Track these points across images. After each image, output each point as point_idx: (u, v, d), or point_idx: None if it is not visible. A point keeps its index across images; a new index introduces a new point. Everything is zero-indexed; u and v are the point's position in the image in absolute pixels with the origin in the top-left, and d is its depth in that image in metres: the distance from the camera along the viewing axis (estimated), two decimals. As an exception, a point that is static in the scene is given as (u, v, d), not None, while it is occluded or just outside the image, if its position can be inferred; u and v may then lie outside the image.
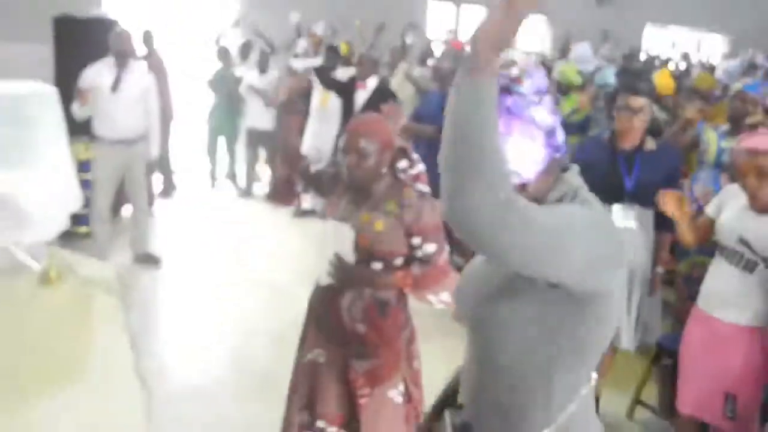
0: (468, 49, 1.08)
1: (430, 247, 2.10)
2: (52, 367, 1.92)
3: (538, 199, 1.27)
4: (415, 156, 2.22)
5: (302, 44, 7.28)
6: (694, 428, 2.81)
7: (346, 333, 2.19)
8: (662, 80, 5.94)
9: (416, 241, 2.10)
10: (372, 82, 5.41)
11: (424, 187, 2.21)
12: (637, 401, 3.41)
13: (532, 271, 1.17)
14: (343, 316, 2.17)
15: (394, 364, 2.13)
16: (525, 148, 1.25)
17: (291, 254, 5.61)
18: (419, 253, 2.12)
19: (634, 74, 3.21)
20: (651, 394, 3.43)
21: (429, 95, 5.36)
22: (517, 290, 1.27)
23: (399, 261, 2.14)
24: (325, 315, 2.24)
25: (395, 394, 2.19)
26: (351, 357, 2.20)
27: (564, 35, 9.86)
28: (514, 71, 1.27)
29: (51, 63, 5.75)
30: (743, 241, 2.49)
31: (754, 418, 2.60)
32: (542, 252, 1.12)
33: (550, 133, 1.27)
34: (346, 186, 2.25)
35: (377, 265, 2.12)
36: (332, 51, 6.47)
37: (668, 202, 2.70)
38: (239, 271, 5.33)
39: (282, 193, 6.83)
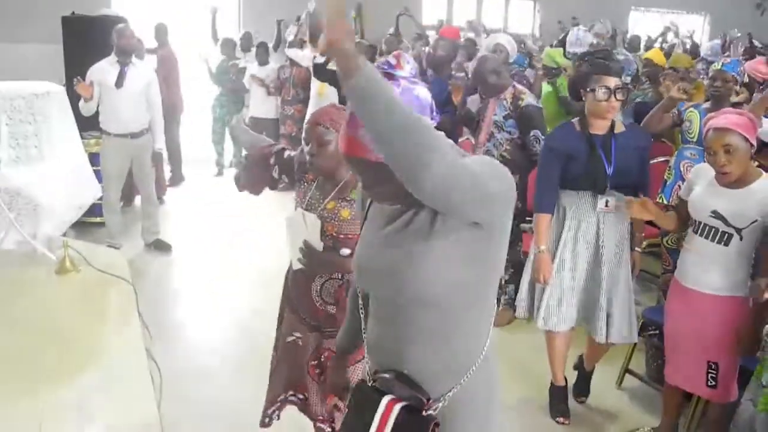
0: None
1: None
2: (69, 351, 1.93)
3: None
4: None
5: (292, 31, 7.18)
6: (681, 395, 2.86)
7: (318, 315, 2.21)
8: (656, 56, 5.92)
9: None
10: None
11: None
12: (626, 370, 3.44)
13: (473, 214, 1.32)
14: (314, 298, 2.20)
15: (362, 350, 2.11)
16: None
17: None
18: None
19: (603, 55, 3.05)
20: (639, 363, 3.46)
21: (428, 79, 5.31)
22: (443, 238, 1.36)
23: None
24: (297, 298, 2.27)
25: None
26: (324, 337, 2.22)
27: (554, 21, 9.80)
28: (392, 59, 1.38)
29: (60, 61, 5.73)
30: (717, 215, 2.50)
31: (732, 384, 2.63)
32: (481, 198, 1.29)
33: (431, 108, 1.40)
34: (313, 175, 2.24)
35: (345, 251, 2.11)
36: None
37: (635, 210, 2.68)
38: (246, 255, 5.35)
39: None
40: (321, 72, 5.63)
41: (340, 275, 2.16)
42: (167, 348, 3.46)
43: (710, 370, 2.58)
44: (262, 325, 3.94)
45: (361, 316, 1.64)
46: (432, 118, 1.39)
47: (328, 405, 1.90)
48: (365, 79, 1.15)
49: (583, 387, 3.34)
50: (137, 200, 5.79)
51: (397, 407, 1.42)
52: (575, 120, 3.01)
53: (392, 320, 1.47)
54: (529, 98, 3.90)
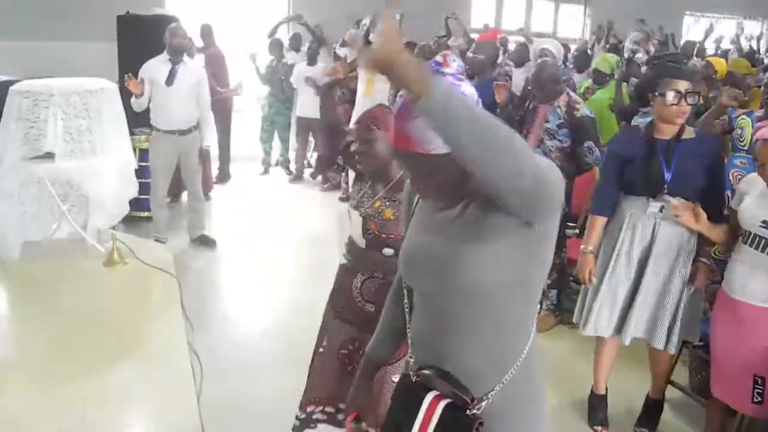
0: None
1: None
2: (114, 340, 1.99)
3: None
4: None
5: (351, 33, 7.24)
6: (725, 410, 2.77)
7: (355, 311, 2.22)
8: (719, 64, 5.75)
9: None
10: None
11: None
12: (668, 381, 3.35)
13: (543, 217, 1.32)
14: (354, 295, 2.21)
15: (401, 348, 2.08)
16: None
17: (334, 236, 5.65)
18: None
19: (673, 58, 2.95)
20: (682, 375, 3.37)
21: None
22: (492, 238, 1.34)
23: None
24: (338, 291, 2.30)
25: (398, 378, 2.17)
26: (357, 336, 2.22)
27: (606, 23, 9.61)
28: (439, 58, 1.37)
29: (115, 59, 5.89)
30: (766, 225, 2.43)
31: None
32: (553, 203, 1.30)
33: (476, 103, 1.36)
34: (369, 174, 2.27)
35: (388, 251, 2.12)
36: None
37: (684, 217, 2.60)
38: (288, 253, 5.41)
39: (320, 169, 6.89)
40: None
41: (381, 274, 2.16)
42: (208, 341, 3.53)
43: (756, 386, 2.50)
44: (301, 322, 3.97)
45: (406, 311, 1.63)
46: None
47: (347, 426, 1.83)
48: (438, 98, 1.10)
49: (646, 420, 3.16)
50: (184, 196, 5.91)
51: (442, 405, 1.41)
52: (645, 124, 2.93)
53: (436, 316, 1.46)
54: (584, 109, 3.85)
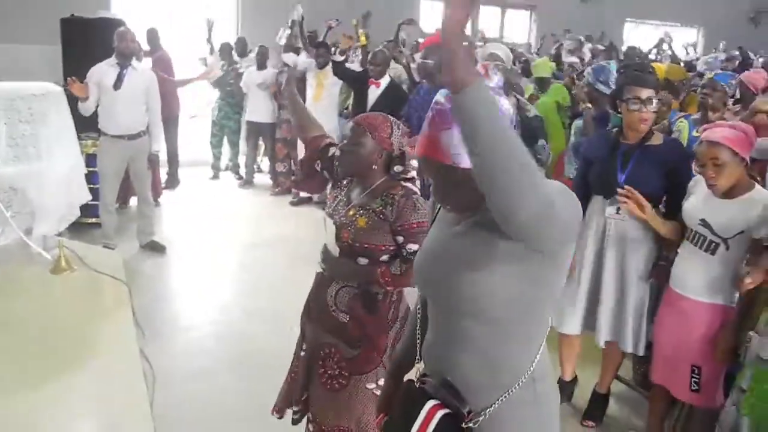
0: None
1: (412, 246, 2.04)
2: (64, 349, 1.94)
3: None
4: (413, 163, 2.15)
5: (283, 35, 7.14)
6: (666, 398, 2.89)
7: (329, 319, 2.18)
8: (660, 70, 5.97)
9: (399, 239, 2.07)
10: (384, 80, 5.41)
11: (414, 188, 2.15)
12: (614, 376, 3.47)
13: (550, 246, 1.27)
14: (329, 303, 2.17)
15: (375, 359, 2.07)
16: None
17: (288, 240, 5.65)
18: (404, 252, 2.08)
19: (638, 66, 3.10)
20: (627, 369, 3.49)
21: (419, 88, 5.33)
22: (503, 251, 1.32)
23: (385, 257, 2.10)
24: (314, 299, 2.26)
25: (374, 387, 2.15)
26: (333, 342, 2.19)
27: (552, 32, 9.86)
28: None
29: (60, 62, 5.75)
30: (705, 224, 2.55)
31: (717, 390, 2.66)
32: (561, 232, 1.23)
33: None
34: (347, 181, 2.24)
35: (362, 260, 2.10)
36: (324, 47, 6.45)
37: (629, 206, 2.71)
38: (238, 256, 5.37)
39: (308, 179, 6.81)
40: (340, 71, 5.71)
41: (355, 284, 2.13)
42: (161, 348, 3.48)
43: (693, 375, 2.61)
44: (254, 326, 3.97)
45: (418, 318, 1.65)
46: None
47: (377, 425, 1.80)
48: (478, 90, 1.09)
49: (593, 413, 3.26)
50: (132, 201, 5.81)
51: (439, 414, 1.42)
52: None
53: (444, 326, 1.48)
54: (533, 110, 3.96)
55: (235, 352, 3.72)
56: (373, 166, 2.10)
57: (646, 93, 2.84)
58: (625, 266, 2.93)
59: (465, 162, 1.28)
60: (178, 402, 3.04)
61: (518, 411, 1.43)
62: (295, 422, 2.38)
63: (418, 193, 2.12)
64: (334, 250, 2.13)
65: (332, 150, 2.32)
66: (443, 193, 1.41)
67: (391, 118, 2.15)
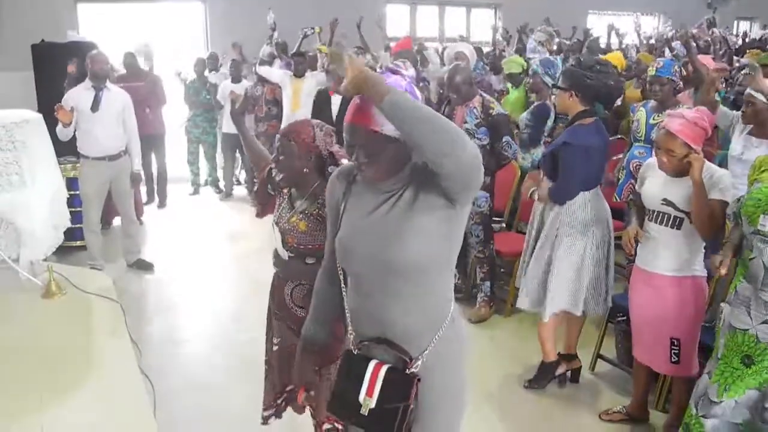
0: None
1: None
2: (64, 371, 1.95)
3: None
4: (344, 162, 2.18)
5: (266, 50, 7.19)
6: (649, 374, 2.97)
7: (293, 318, 2.29)
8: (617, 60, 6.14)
9: None
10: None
11: None
12: (598, 355, 3.55)
13: (470, 195, 1.57)
14: (287, 301, 2.30)
15: (337, 348, 2.07)
16: None
17: (270, 248, 5.65)
18: None
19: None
20: (610, 348, 3.57)
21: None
22: (425, 215, 1.56)
23: None
24: (276, 302, 2.38)
25: None
26: (296, 341, 2.23)
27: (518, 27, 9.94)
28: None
29: (33, 88, 5.72)
30: (668, 202, 2.66)
31: (693, 359, 2.76)
32: (477, 172, 1.50)
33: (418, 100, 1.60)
34: (286, 188, 2.32)
35: (310, 260, 2.21)
36: (301, 56, 6.46)
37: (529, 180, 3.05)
38: (225, 268, 5.38)
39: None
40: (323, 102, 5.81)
41: (307, 281, 2.23)
42: (158, 363, 3.49)
43: (673, 347, 2.71)
44: (247, 334, 3.98)
45: (344, 293, 1.77)
46: None
47: (299, 398, 1.99)
48: (393, 95, 1.41)
49: (538, 379, 3.43)
50: (116, 222, 5.78)
51: (384, 369, 1.61)
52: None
53: (374, 292, 1.64)
54: (498, 107, 4.03)
55: (234, 360, 3.74)
56: (305, 170, 2.18)
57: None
58: (554, 242, 3.14)
59: (389, 129, 1.51)
60: (180, 415, 3.06)
61: (447, 348, 1.66)
62: (265, 420, 2.46)
63: None
64: (283, 254, 2.26)
65: (273, 171, 2.44)
66: (368, 159, 1.56)
67: (314, 121, 2.25)
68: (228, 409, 3.18)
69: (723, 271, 2.32)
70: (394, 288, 1.60)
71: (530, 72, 4.84)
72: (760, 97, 3.36)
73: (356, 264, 1.66)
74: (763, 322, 2.21)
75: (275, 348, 2.43)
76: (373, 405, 1.60)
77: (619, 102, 4.88)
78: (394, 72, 1.59)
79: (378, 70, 4.70)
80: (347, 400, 1.65)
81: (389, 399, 1.59)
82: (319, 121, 2.27)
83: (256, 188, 2.58)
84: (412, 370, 1.61)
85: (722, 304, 2.43)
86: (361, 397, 1.61)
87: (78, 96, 4.69)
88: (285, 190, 2.34)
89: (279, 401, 2.48)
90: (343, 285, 1.78)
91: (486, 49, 9.11)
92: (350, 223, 1.68)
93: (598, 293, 3.18)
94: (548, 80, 4.48)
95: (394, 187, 1.61)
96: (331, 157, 2.19)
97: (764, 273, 2.20)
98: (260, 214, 2.60)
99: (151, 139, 6.34)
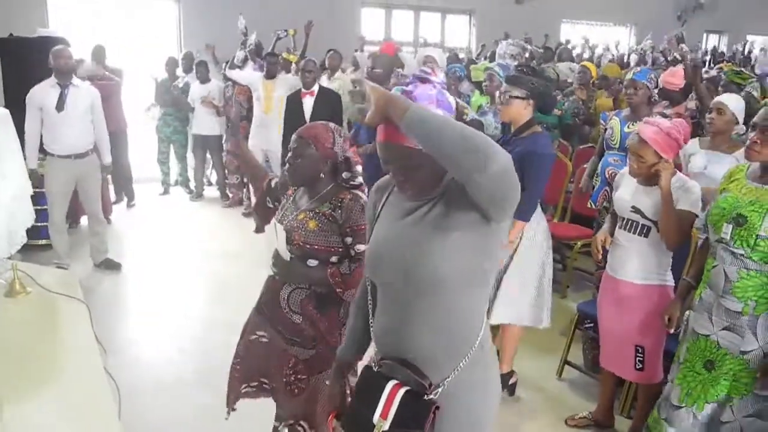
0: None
1: (360, 247, 2.11)
2: (27, 371, 1.93)
3: None
4: (358, 169, 2.22)
5: (240, 55, 7.15)
6: (614, 380, 3.03)
7: (284, 321, 2.24)
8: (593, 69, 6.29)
9: (348, 240, 2.13)
10: (315, 88, 5.45)
11: (362, 194, 2.21)
12: (565, 362, 3.60)
13: (505, 211, 1.45)
14: (282, 306, 2.24)
15: (331, 357, 2.05)
16: None
17: (243, 250, 5.64)
18: (353, 252, 2.14)
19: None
20: (577, 355, 3.63)
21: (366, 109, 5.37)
22: (455, 229, 1.47)
23: (334, 259, 2.16)
24: (267, 302, 2.32)
25: None
26: (288, 344, 2.25)
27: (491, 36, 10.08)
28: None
29: (0, 83, 5.62)
30: (636, 210, 2.71)
31: (658, 366, 2.81)
32: (514, 198, 1.42)
33: (451, 107, 1.57)
34: (292, 189, 2.30)
35: (313, 262, 2.16)
36: (273, 57, 6.45)
37: None
38: (194, 269, 5.34)
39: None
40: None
41: (307, 285, 2.20)
42: (124, 363, 3.45)
43: (638, 354, 2.76)
44: (215, 335, 3.96)
45: (370, 308, 1.72)
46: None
47: (329, 425, 1.84)
48: (412, 112, 1.36)
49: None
50: (83, 220, 5.70)
51: (401, 391, 1.52)
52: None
53: (398, 309, 1.56)
54: (472, 113, 4.07)
55: (198, 363, 3.71)
56: (321, 175, 2.17)
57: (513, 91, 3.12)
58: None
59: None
60: (144, 415, 3.02)
61: (472, 375, 1.54)
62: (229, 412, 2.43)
63: (365, 198, 2.18)
64: (285, 254, 2.20)
65: (274, 181, 2.44)
66: (404, 176, 1.53)
67: (332, 125, 2.23)
68: (194, 411, 3.16)
69: (671, 331, 2.51)
70: (420, 302, 1.52)
71: (486, 75, 4.82)
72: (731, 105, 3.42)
73: (383, 272, 1.59)
74: (724, 329, 2.28)
75: (252, 338, 2.37)
76: (386, 428, 1.51)
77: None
78: (423, 80, 1.55)
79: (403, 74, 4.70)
80: (361, 420, 1.57)
81: (404, 424, 1.50)
82: (336, 125, 2.24)
83: (254, 203, 2.54)
84: (431, 396, 1.50)
85: (687, 311, 2.49)
86: (375, 418, 1.52)
87: (43, 93, 4.59)
88: (290, 191, 2.33)
89: (244, 391, 2.42)
90: (370, 300, 1.72)
91: (461, 55, 9.21)
92: (381, 230, 1.64)
93: (538, 307, 3.25)
94: None
95: (429, 196, 1.55)
96: (346, 162, 2.19)
97: (725, 281, 2.26)
98: (259, 229, 2.57)
99: (112, 136, 6.27)
